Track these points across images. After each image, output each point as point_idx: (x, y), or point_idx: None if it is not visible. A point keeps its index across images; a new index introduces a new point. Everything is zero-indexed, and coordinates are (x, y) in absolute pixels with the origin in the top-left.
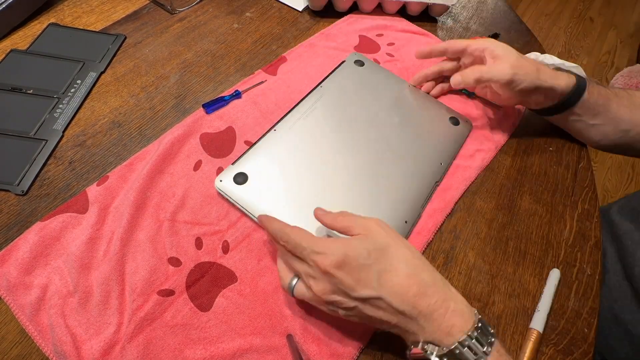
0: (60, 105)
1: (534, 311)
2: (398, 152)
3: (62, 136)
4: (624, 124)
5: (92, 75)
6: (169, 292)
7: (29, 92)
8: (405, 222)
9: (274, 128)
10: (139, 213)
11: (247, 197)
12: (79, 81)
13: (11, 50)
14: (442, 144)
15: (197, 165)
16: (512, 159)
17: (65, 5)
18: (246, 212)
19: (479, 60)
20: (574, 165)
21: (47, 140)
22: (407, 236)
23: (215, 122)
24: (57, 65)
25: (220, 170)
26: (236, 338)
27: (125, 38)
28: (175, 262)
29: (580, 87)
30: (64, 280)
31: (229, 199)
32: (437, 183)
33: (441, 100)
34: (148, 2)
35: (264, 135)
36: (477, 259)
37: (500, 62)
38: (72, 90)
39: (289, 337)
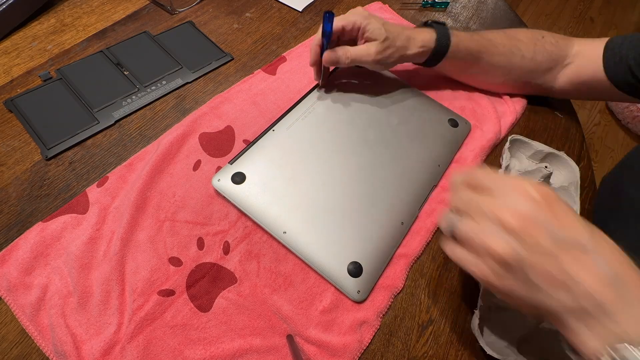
0: (134, 97)
1: None
2: (396, 154)
3: (113, 125)
4: (501, 70)
5: (178, 81)
6: (169, 292)
7: (125, 72)
8: (402, 223)
9: (273, 128)
10: (139, 213)
11: (245, 196)
12: (164, 82)
13: (144, 32)
14: (440, 146)
15: (196, 165)
16: None
17: (66, 6)
18: (244, 212)
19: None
20: None
21: (98, 122)
22: (403, 237)
23: (214, 121)
24: (161, 59)
25: (218, 169)
26: (236, 338)
27: (232, 59)
28: (176, 262)
29: (441, 44)
30: (64, 281)
31: (226, 197)
32: (434, 185)
33: (441, 100)
34: (148, 2)
35: (262, 134)
36: None
37: (369, 45)
38: (153, 87)
39: (289, 338)
